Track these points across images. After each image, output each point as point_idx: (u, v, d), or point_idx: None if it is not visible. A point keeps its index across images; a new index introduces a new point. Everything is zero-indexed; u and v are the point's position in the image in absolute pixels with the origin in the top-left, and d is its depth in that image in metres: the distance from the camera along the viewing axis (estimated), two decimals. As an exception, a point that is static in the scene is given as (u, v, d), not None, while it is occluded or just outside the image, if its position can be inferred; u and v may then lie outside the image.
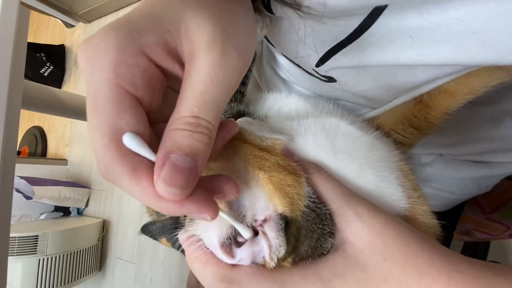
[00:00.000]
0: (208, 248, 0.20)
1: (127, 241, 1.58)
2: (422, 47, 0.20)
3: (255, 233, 0.19)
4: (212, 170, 0.21)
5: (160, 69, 0.16)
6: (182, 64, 0.16)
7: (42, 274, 1.35)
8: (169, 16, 0.16)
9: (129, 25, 0.15)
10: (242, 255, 0.19)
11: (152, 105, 0.16)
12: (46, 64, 2.05)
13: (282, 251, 0.18)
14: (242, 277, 0.19)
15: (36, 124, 2.24)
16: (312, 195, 0.20)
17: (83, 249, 1.50)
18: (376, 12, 0.19)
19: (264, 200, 0.19)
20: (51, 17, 2.03)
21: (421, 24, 0.19)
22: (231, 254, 0.19)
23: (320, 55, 0.23)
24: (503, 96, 0.28)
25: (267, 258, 0.19)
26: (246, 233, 0.19)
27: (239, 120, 0.25)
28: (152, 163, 0.15)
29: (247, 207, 0.19)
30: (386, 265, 0.18)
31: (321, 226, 0.19)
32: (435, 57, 0.20)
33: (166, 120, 0.16)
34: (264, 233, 0.19)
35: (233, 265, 0.19)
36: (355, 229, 0.19)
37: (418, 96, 0.27)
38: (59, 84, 2.14)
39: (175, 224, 0.24)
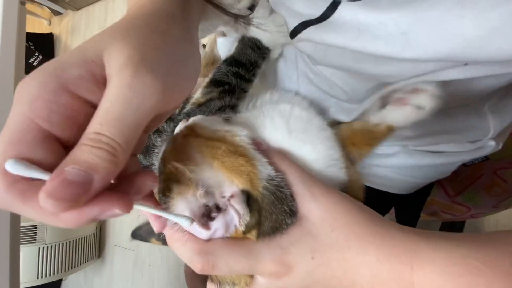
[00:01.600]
0: (185, 229, 0.22)
1: (124, 228, 1.62)
2: (364, 40, 0.24)
3: (224, 207, 0.23)
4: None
5: (90, 103, 0.17)
6: None
7: (43, 262, 1.39)
8: (94, 48, 0.17)
9: (56, 63, 0.16)
10: (217, 225, 0.22)
11: (72, 138, 0.17)
12: (34, 53, 2.01)
13: (247, 218, 0.22)
14: (216, 248, 0.22)
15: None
16: (275, 178, 0.23)
17: (81, 238, 1.54)
18: (334, 5, 0.24)
19: (227, 181, 0.23)
20: (37, 4, 1.98)
21: (367, 20, 0.23)
22: (207, 226, 0.22)
23: (296, 23, 0.28)
24: (456, 96, 0.32)
25: (237, 225, 0.22)
26: (183, 221, 0.20)
27: (195, 118, 0.28)
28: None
29: (214, 187, 0.23)
30: (333, 235, 0.22)
31: (279, 207, 0.23)
32: (372, 50, 0.24)
33: None
34: (232, 206, 0.22)
35: (208, 241, 0.22)
36: (310, 207, 0.23)
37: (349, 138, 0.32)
38: (49, 75, 2.11)
39: None
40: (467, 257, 0.19)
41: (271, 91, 0.37)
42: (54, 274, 1.43)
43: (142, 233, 0.30)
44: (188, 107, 0.38)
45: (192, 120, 0.27)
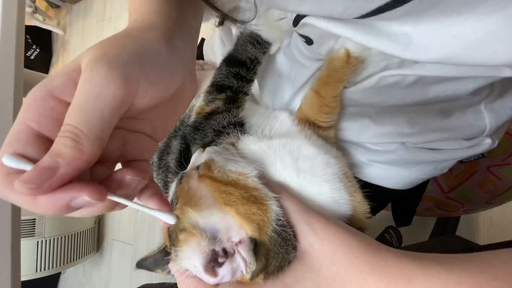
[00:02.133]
0: (195, 275, 0.23)
1: (123, 223, 1.64)
2: (369, 34, 0.25)
3: (232, 253, 0.23)
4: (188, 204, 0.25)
5: None
6: None
7: (41, 255, 1.40)
8: (76, 60, 0.19)
9: (47, 77, 0.19)
10: (224, 272, 0.23)
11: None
12: (32, 46, 1.99)
13: (253, 267, 0.23)
14: None
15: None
16: (281, 218, 0.24)
17: (80, 232, 1.54)
18: None
19: (237, 226, 0.24)
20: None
21: (369, 22, 0.24)
22: (214, 273, 0.23)
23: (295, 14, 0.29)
24: (453, 94, 0.33)
25: (244, 272, 0.23)
26: (166, 218, 0.21)
27: (207, 150, 0.29)
28: None
29: (222, 232, 0.23)
30: (334, 268, 0.23)
31: (285, 247, 0.24)
32: (376, 45, 0.25)
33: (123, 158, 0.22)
34: (239, 253, 0.23)
35: (216, 286, 0.23)
36: (310, 241, 0.24)
37: (315, 88, 0.35)
38: (46, 68, 2.09)
39: (165, 257, 0.28)
40: (457, 282, 0.20)
41: (275, 112, 0.38)
42: (52, 268, 1.44)
43: (147, 264, 0.31)
44: (192, 117, 0.37)
45: (208, 155, 0.28)
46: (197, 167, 0.29)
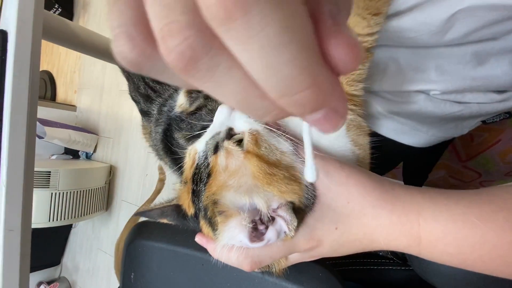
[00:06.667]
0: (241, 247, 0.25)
1: (132, 185, 1.69)
2: None
3: (272, 218, 0.25)
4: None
5: None
6: None
7: (54, 206, 1.47)
8: None
9: None
10: (269, 235, 0.24)
11: None
12: (54, 5, 2.00)
13: (295, 223, 0.24)
14: (258, 250, 0.25)
15: (44, 68, 2.25)
16: (310, 188, 0.26)
17: (91, 189, 1.61)
18: None
19: (276, 197, 0.25)
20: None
21: None
22: (260, 239, 0.24)
23: None
24: (490, 36, 0.30)
25: (287, 231, 0.24)
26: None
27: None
28: None
29: (262, 205, 0.24)
30: (349, 206, 0.25)
31: (310, 200, 0.26)
32: None
33: None
34: (280, 216, 0.24)
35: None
36: (326, 184, 0.26)
37: None
38: (67, 28, 2.10)
39: (176, 210, 0.30)
40: (464, 213, 0.22)
41: None
42: (63, 219, 1.51)
43: (151, 214, 0.32)
44: (177, 109, 0.40)
45: (251, 125, 0.28)
46: (229, 136, 0.28)
